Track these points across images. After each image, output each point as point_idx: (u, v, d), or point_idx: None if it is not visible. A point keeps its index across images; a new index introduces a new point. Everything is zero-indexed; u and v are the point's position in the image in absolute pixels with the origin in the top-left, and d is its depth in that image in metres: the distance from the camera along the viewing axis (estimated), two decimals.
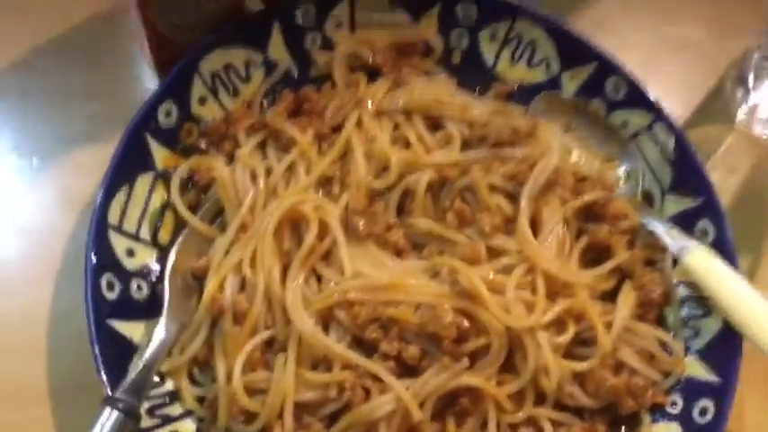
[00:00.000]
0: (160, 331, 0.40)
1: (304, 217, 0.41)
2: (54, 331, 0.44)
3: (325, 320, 0.40)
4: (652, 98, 0.48)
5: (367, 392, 0.38)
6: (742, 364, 0.43)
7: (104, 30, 0.52)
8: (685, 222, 0.46)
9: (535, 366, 0.39)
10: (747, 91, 0.55)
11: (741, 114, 0.54)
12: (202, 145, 0.46)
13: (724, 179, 0.52)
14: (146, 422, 0.39)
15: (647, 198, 0.48)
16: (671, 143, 0.47)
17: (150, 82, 0.50)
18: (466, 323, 0.39)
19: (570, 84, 0.50)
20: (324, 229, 0.41)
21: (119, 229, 0.42)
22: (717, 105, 0.55)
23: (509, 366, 0.41)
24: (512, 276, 0.41)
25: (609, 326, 0.42)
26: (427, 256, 0.43)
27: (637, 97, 0.48)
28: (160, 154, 0.45)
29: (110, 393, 0.37)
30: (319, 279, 0.41)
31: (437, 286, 0.40)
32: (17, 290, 0.45)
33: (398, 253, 0.42)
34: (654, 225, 0.46)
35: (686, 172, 0.47)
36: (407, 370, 0.39)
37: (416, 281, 0.40)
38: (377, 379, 0.38)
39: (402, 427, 0.38)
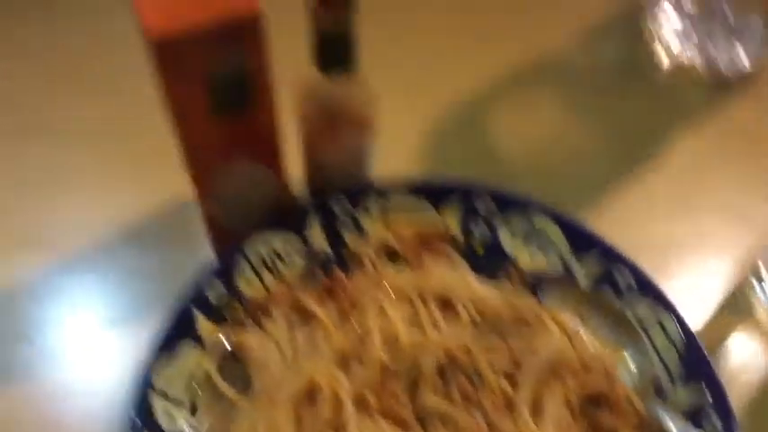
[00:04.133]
0: None
1: (320, 389, 0.46)
2: None
3: None
4: (661, 291, 0.51)
5: None
6: None
7: (180, 214, 0.60)
8: (695, 416, 0.47)
9: None
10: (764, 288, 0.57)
11: (759, 310, 0.56)
12: (243, 319, 0.52)
13: (736, 376, 0.53)
14: None
15: (657, 388, 0.50)
16: (680, 336, 0.50)
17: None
18: None
19: (582, 273, 0.54)
20: (338, 402, 0.45)
21: (160, 391, 0.47)
22: (734, 300, 0.57)
23: None
24: None
25: None
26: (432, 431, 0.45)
27: (646, 290, 0.52)
28: (204, 325, 0.51)
29: None
30: None
31: None
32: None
33: (406, 428, 0.45)
34: (661, 415, 0.47)
35: (694, 366, 0.49)
36: None
37: None
38: None
39: None
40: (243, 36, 0.40)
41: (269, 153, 0.50)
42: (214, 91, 0.43)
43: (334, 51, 0.46)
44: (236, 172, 0.50)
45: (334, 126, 0.51)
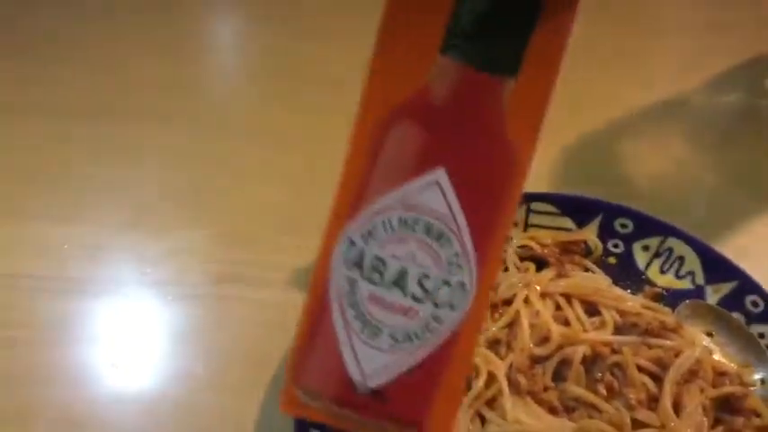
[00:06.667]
0: None
1: (475, 367, 0.50)
2: None
3: None
4: None
5: None
6: None
7: None
8: None
9: None
10: None
11: None
12: None
13: None
14: None
15: None
16: None
17: None
18: None
19: (713, 296, 0.57)
20: (491, 379, 0.49)
21: None
22: None
23: None
24: None
25: None
26: (577, 418, 0.49)
27: None
28: None
29: None
30: (483, 421, 0.48)
31: None
32: None
33: (552, 411, 0.49)
34: None
35: None
36: None
37: None
38: None
39: None
40: None
41: None
42: None
43: None
44: None
45: None
